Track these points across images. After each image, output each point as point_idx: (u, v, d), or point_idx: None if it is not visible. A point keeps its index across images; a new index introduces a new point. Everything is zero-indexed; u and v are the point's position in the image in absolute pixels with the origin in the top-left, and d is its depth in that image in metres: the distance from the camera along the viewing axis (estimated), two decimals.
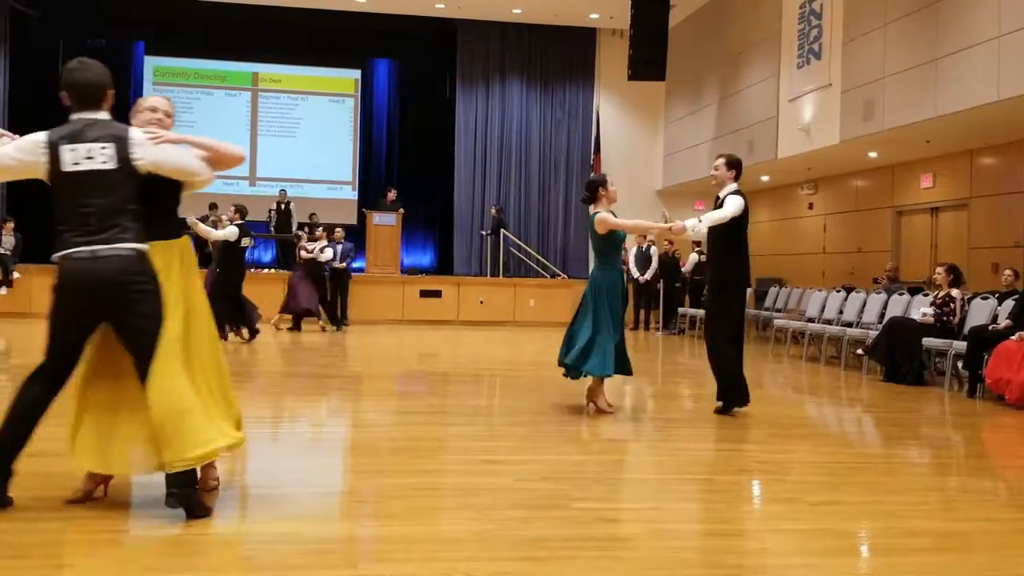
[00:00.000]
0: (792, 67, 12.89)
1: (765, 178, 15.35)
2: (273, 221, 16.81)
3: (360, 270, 15.48)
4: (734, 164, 6.32)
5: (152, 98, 3.97)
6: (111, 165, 3.46)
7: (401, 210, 15.61)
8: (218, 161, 3.80)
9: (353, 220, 17.83)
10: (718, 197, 6.23)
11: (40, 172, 3.52)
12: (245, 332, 10.69)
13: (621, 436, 5.49)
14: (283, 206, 16.80)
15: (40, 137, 3.51)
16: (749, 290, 14.12)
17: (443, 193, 18.27)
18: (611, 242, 6.09)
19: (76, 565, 2.93)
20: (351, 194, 19.11)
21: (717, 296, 6.16)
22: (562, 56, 17.84)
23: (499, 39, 17.73)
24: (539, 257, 17.18)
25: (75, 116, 3.59)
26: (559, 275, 16.55)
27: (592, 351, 5.86)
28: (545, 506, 3.76)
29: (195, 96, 18.75)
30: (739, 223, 6.05)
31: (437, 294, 15.08)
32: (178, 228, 3.92)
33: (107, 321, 3.50)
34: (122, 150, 3.49)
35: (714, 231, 6.08)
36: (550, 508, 3.74)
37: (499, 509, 3.69)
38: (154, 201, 3.63)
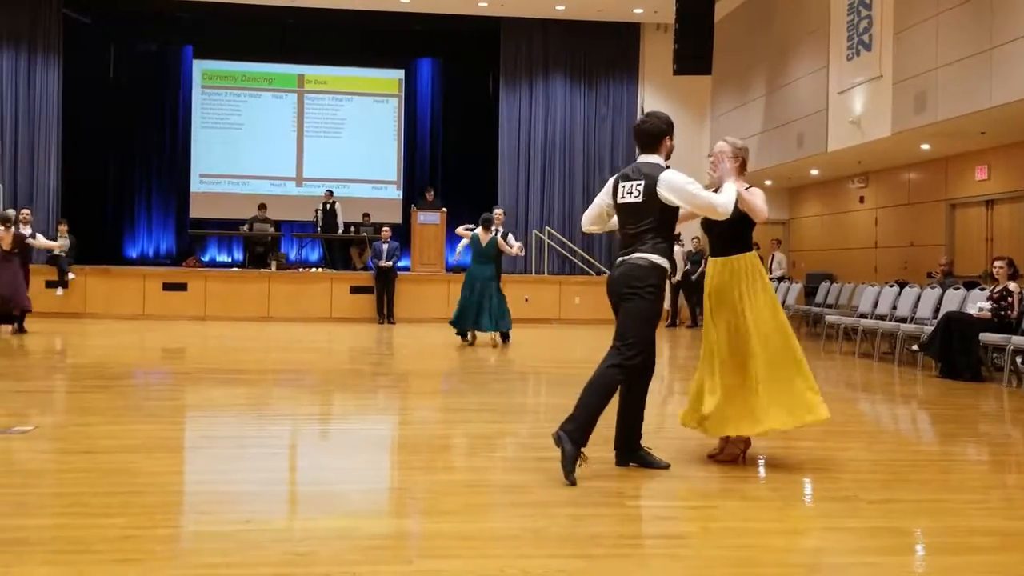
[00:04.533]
0: (842, 59, 12.67)
1: (815, 172, 15.11)
2: (319, 221, 16.99)
3: (406, 269, 15.58)
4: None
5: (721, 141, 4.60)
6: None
7: (444, 209, 15.68)
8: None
9: (398, 219, 17.96)
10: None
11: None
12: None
13: (674, 435, 5.44)
14: (328, 206, 16.97)
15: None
16: (799, 285, 14.04)
17: (487, 191, 18.29)
18: None
19: (139, 560, 2.99)
20: (396, 193, 19.24)
21: None
22: (606, 52, 17.74)
23: (542, 36, 17.69)
24: (584, 254, 17.12)
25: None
26: (604, 272, 16.47)
27: None
28: (599, 504, 3.75)
29: (242, 99, 19.02)
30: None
31: None
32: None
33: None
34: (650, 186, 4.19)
35: None
36: (604, 506, 3.72)
37: (552, 506, 3.68)
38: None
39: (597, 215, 4.48)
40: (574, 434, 4.01)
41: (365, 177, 19.13)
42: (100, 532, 3.24)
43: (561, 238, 17.16)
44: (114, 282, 14.32)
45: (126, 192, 18.73)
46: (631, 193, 4.23)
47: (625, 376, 4.17)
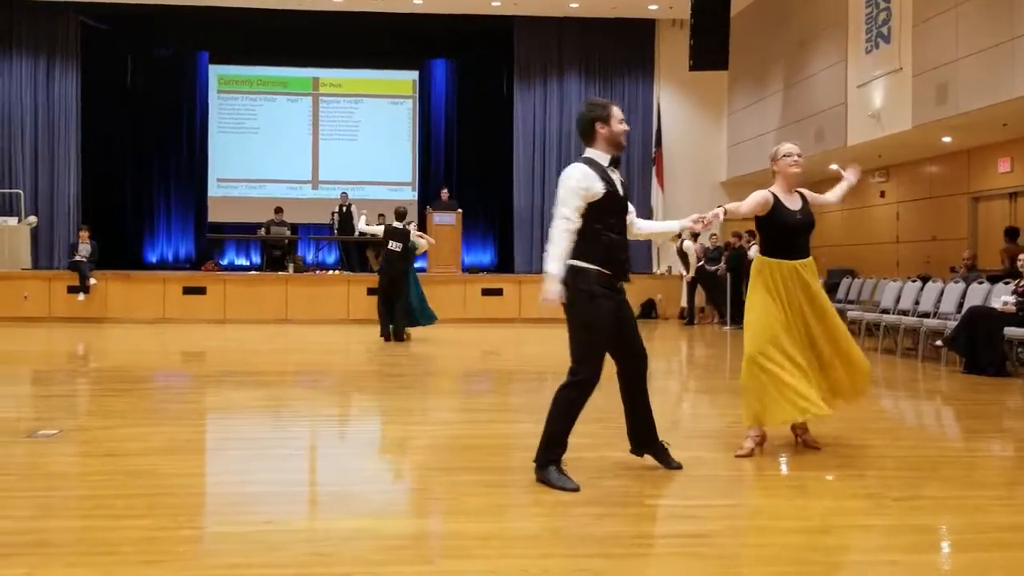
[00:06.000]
0: (860, 52, 12.57)
1: (834, 167, 14.98)
2: (335, 224, 17.04)
3: (422, 270, 15.59)
4: None
5: (787, 144, 4.72)
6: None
7: (459, 209, 15.68)
8: None
9: (414, 220, 17.97)
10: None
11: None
12: None
13: (695, 433, 5.42)
14: (344, 208, 17.02)
15: None
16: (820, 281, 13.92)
17: (502, 191, 18.29)
18: None
19: (163, 561, 3.00)
20: (411, 194, 19.26)
21: None
22: (620, 49, 17.69)
23: (556, 35, 17.67)
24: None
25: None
26: None
27: None
28: (619, 503, 3.73)
29: (258, 103, 19.11)
30: None
31: (499, 292, 15.11)
32: None
33: None
34: None
35: None
36: (624, 505, 3.70)
37: (572, 506, 3.67)
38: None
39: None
40: (538, 458, 4.01)
41: (380, 179, 19.17)
42: (125, 534, 3.26)
43: None
44: (134, 287, 14.43)
45: (145, 197, 18.87)
46: None
47: (579, 392, 4.04)
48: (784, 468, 4.50)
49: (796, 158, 4.67)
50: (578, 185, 3.87)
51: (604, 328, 3.96)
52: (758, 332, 4.53)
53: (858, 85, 12.58)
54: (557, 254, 3.85)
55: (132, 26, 17.84)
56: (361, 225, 11.81)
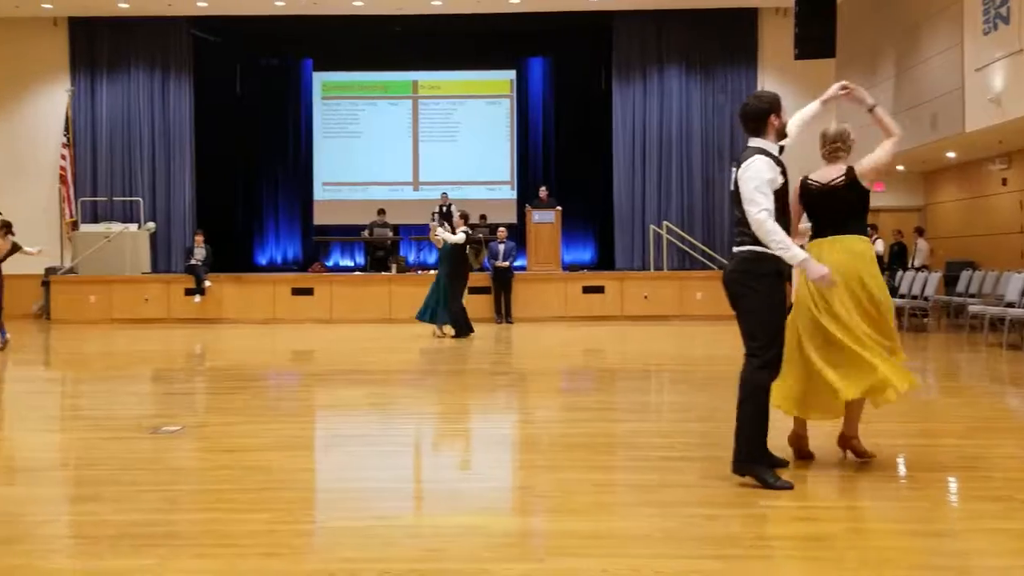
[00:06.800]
0: (977, 34, 11.94)
1: (951, 154, 14.31)
2: (453, 222, 17.23)
3: (522, 268, 15.65)
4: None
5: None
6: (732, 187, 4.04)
7: (559, 207, 15.66)
8: None
9: (513, 219, 18.05)
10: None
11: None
12: None
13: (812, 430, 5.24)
14: (445, 209, 17.23)
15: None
16: (937, 274, 13.34)
17: (602, 188, 18.16)
18: None
19: (282, 554, 3.10)
20: (510, 193, 19.35)
21: None
22: (722, 40, 17.30)
23: (655, 28, 17.42)
24: (704, 248, 16.77)
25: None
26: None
27: None
28: (731, 504, 3.65)
29: (360, 108, 19.54)
30: None
31: (600, 290, 15.01)
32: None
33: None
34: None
35: None
36: (737, 506, 3.62)
37: (683, 506, 3.61)
38: None
39: None
40: (737, 466, 3.92)
41: (479, 178, 19.32)
42: (245, 527, 3.38)
43: (680, 232, 16.85)
44: (246, 289, 14.97)
45: (254, 202, 19.55)
46: (731, 181, 4.08)
47: (771, 375, 3.95)
48: (904, 469, 4.31)
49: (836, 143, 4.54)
50: (769, 176, 3.92)
51: (784, 311, 4.04)
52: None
53: (976, 68, 11.95)
54: (787, 241, 3.86)
55: (240, 37, 18.51)
56: (442, 233, 11.92)
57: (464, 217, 12.30)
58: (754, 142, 4.06)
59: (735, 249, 4.03)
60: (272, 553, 3.10)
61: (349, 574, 2.90)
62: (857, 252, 4.25)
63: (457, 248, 11.75)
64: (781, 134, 4.11)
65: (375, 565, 2.97)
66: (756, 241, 3.90)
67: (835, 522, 3.45)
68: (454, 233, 11.84)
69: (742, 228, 3.96)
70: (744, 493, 3.78)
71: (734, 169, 4.06)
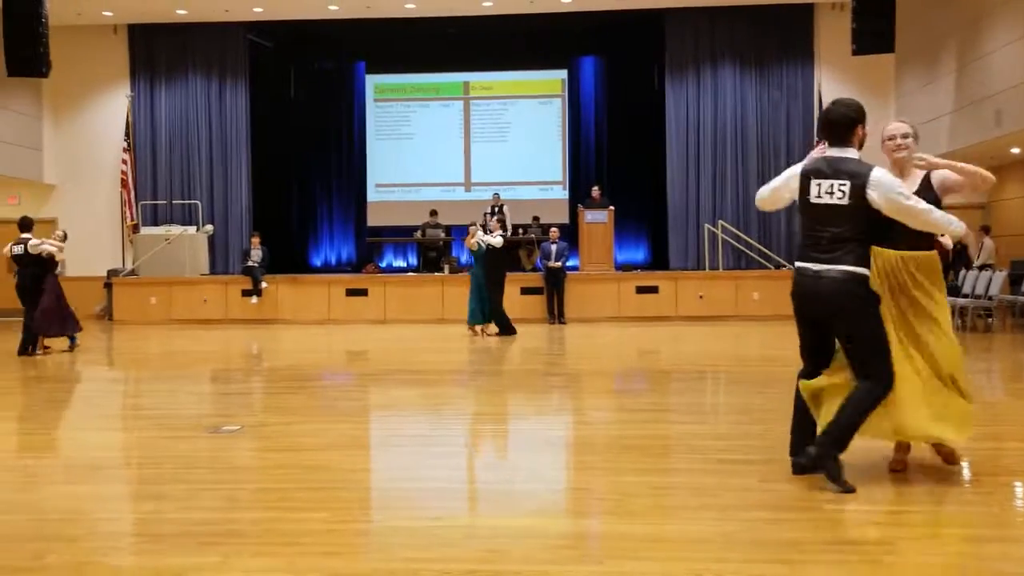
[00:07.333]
0: None
1: (1015, 150, 13.88)
2: (488, 225, 17.27)
3: (575, 268, 15.60)
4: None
5: (892, 124, 4.31)
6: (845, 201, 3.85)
7: (611, 207, 15.57)
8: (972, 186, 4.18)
9: (565, 219, 18.01)
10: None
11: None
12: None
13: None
14: (497, 209, 17.25)
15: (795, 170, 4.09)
16: (1002, 273, 12.94)
17: (655, 187, 18.01)
18: None
19: (342, 553, 3.12)
20: (562, 193, 19.31)
21: None
22: (777, 35, 17.03)
23: (708, 24, 17.22)
24: (761, 247, 16.52)
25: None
26: (784, 266, 15.81)
27: None
28: (794, 507, 3.58)
29: (412, 109, 19.68)
30: None
31: (654, 290, 14.89)
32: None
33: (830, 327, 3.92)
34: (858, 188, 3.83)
35: None
36: (800, 510, 3.55)
37: (744, 510, 3.55)
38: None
39: (777, 199, 4.19)
40: (821, 450, 3.80)
41: (531, 179, 19.32)
42: (305, 526, 3.41)
43: (735, 231, 16.63)
44: (302, 289, 15.18)
45: (309, 204, 19.82)
46: (832, 193, 3.83)
47: (888, 390, 3.81)
48: (970, 473, 4.19)
49: (900, 141, 4.15)
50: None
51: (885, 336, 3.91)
52: None
53: None
54: (942, 214, 3.85)
55: (294, 42, 18.79)
56: (481, 236, 12.03)
57: (500, 221, 12.69)
58: (846, 152, 3.93)
59: (840, 267, 3.79)
60: (332, 552, 3.13)
61: (409, 574, 2.91)
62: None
63: (493, 250, 11.92)
64: (861, 145, 4.00)
65: (434, 565, 2.97)
66: (864, 262, 3.81)
67: (901, 527, 3.37)
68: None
69: (847, 245, 3.80)
70: (806, 497, 3.71)
71: (825, 182, 3.86)
